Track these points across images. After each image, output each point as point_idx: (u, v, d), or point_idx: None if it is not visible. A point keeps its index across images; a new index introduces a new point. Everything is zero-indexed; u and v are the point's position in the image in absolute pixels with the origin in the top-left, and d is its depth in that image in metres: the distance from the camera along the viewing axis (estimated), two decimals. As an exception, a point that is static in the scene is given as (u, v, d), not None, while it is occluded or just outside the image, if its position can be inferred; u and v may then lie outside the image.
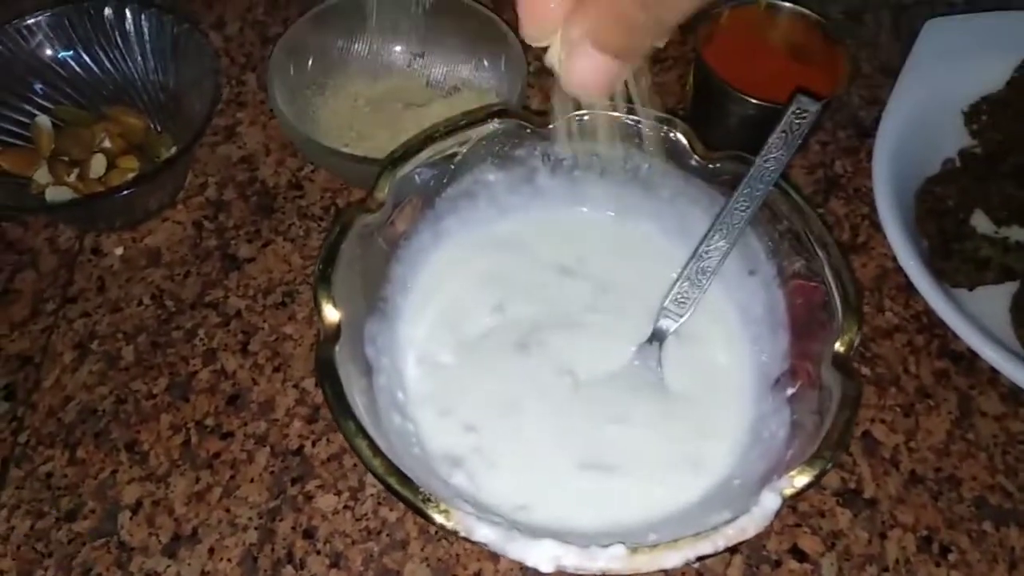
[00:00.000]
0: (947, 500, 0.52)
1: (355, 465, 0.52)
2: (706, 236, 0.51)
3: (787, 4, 0.63)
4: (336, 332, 0.43)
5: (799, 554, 0.50)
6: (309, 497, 0.51)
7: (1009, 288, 0.59)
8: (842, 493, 0.52)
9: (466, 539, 0.38)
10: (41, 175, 0.60)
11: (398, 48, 0.68)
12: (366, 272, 0.49)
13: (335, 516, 0.50)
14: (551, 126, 0.51)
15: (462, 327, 0.53)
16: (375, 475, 0.39)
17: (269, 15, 0.76)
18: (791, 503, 0.50)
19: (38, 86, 0.62)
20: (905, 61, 0.65)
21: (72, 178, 0.60)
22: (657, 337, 0.52)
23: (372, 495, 0.51)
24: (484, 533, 0.37)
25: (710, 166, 0.51)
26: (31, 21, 0.60)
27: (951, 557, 0.50)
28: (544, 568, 0.37)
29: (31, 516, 0.50)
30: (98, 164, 0.60)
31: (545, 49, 0.33)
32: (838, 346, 0.44)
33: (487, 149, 0.53)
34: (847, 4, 0.78)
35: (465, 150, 0.51)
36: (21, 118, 0.61)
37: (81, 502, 0.50)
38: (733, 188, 0.50)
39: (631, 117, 0.52)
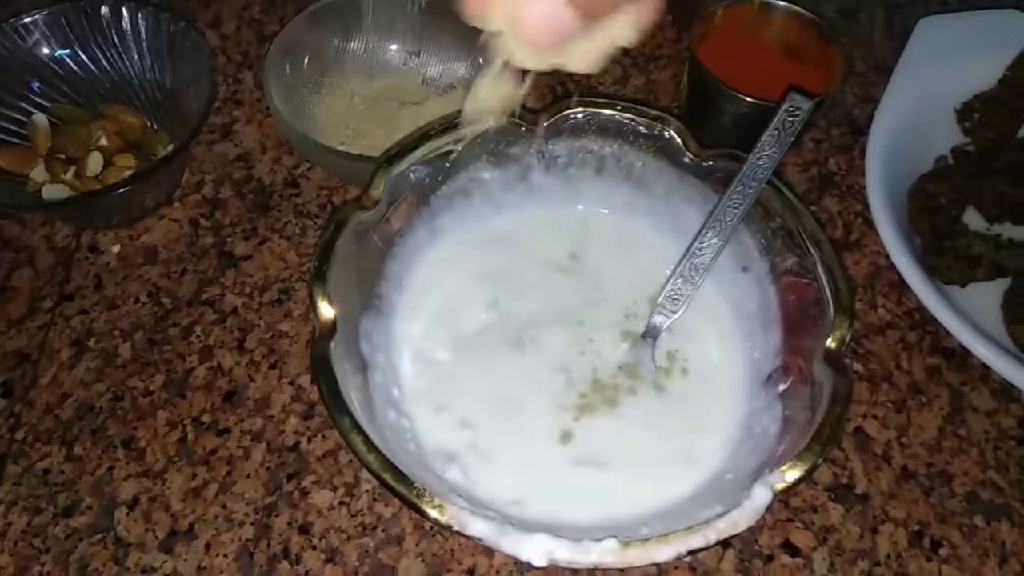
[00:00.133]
0: (938, 495, 0.52)
1: (350, 461, 0.52)
2: (699, 233, 0.52)
3: (781, 3, 0.64)
4: (331, 329, 0.43)
5: (791, 549, 0.50)
6: (305, 493, 0.51)
7: (1001, 285, 0.59)
8: (834, 488, 0.52)
9: (460, 534, 0.38)
10: (38, 173, 0.60)
11: (394, 47, 0.68)
12: (361, 269, 0.49)
13: (331, 512, 0.50)
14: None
15: (457, 324, 0.53)
16: (370, 470, 0.39)
17: (265, 13, 0.76)
18: (783, 498, 0.51)
19: (35, 84, 0.62)
20: (898, 59, 0.66)
21: (69, 176, 0.60)
22: (651, 333, 0.52)
23: (367, 491, 0.51)
24: (478, 528, 0.38)
25: (704, 164, 0.52)
26: (28, 19, 0.61)
27: (942, 551, 0.50)
28: (537, 562, 0.37)
29: (28, 512, 0.50)
30: (95, 162, 0.61)
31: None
32: (830, 342, 0.44)
33: (482, 147, 0.53)
34: (841, 3, 0.79)
35: (460, 148, 0.52)
36: (18, 116, 0.61)
37: (78, 498, 0.50)
38: (726, 185, 0.50)
39: (625, 115, 0.52)
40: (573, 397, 0.51)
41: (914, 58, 0.65)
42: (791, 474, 0.40)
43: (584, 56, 0.35)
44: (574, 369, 0.52)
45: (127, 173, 0.60)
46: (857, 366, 0.57)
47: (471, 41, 0.65)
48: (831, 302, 0.45)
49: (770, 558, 0.50)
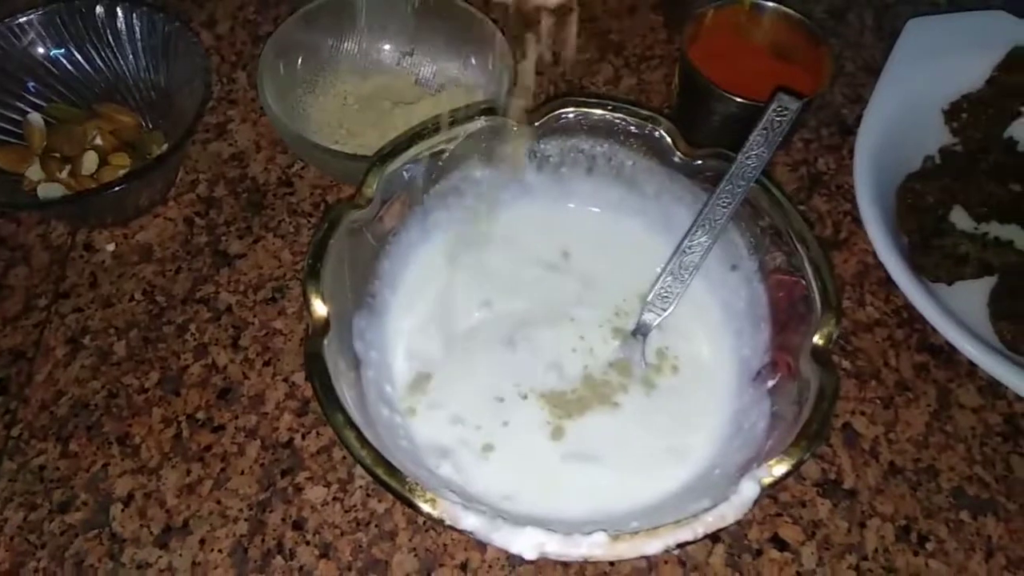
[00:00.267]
0: (925, 490, 0.53)
1: (344, 457, 0.52)
2: (689, 232, 0.52)
3: (771, 4, 0.64)
4: (325, 326, 0.44)
5: (780, 543, 0.51)
6: (299, 489, 0.51)
7: (987, 283, 0.60)
8: (822, 484, 0.53)
9: (452, 528, 0.39)
10: (33, 172, 0.60)
11: (387, 47, 0.69)
12: (355, 267, 0.50)
13: (324, 507, 0.51)
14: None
15: (450, 321, 0.54)
16: (363, 465, 0.40)
17: (260, 14, 0.77)
18: (772, 493, 0.52)
19: (30, 84, 0.62)
20: (887, 60, 0.66)
21: (64, 175, 0.60)
22: (641, 331, 0.53)
23: (361, 487, 0.51)
24: (470, 521, 0.38)
25: (693, 163, 0.52)
26: (23, 19, 0.61)
27: (929, 546, 0.51)
28: (528, 555, 0.38)
29: (24, 508, 0.50)
30: (90, 161, 0.61)
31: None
32: (817, 339, 0.45)
33: (474, 146, 0.53)
34: (830, 4, 0.79)
35: (453, 147, 0.52)
36: (13, 115, 0.62)
37: (73, 494, 0.51)
38: (716, 185, 0.51)
39: (616, 115, 0.53)
40: (565, 394, 0.51)
41: (902, 59, 0.66)
42: (778, 468, 0.40)
43: None
44: (565, 366, 0.52)
45: (122, 172, 0.61)
46: (845, 363, 0.58)
47: (464, 41, 0.66)
48: (818, 299, 0.46)
49: (759, 552, 0.50)
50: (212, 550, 0.49)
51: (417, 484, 0.39)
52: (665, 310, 0.53)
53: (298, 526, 0.50)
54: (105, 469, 0.52)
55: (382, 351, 0.52)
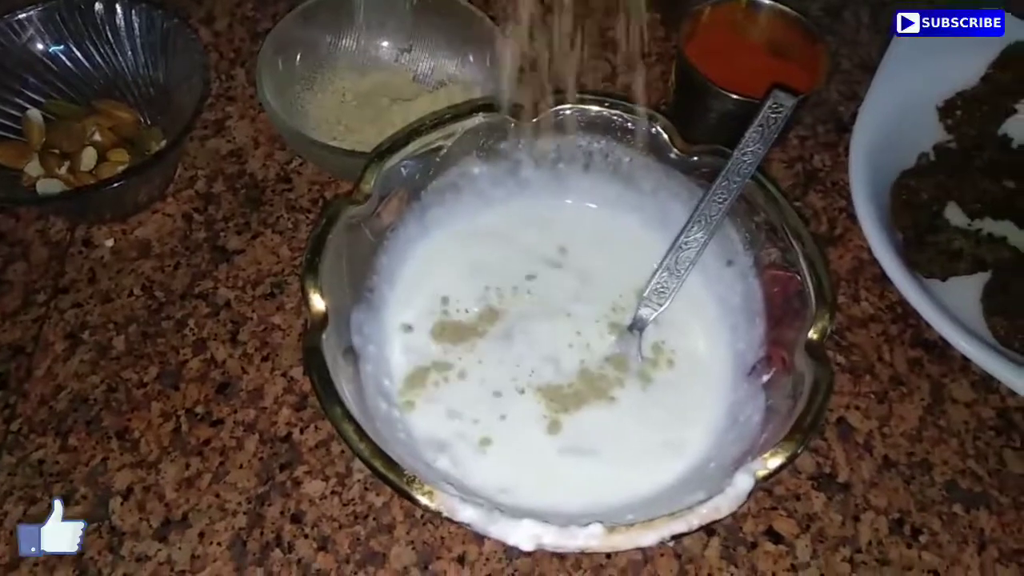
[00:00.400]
0: (919, 484, 0.54)
1: (342, 452, 0.53)
2: (685, 228, 0.53)
3: (767, 1, 0.64)
4: (323, 321, 0.44)
5: (775, 536, 0.51)
6: (297, 483, 0.52)
7: (980, 279, 0.61)
8: (817, 477, 0.53)
9: (450, 520, 0.39)
10: (32, 168, 0.61)
11: (385, 43, 0.69)
12: (353, 263, 0.50)
13: (322, 501, 0.51)
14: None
15: (447, 316, 0.54)
16: (361, 458, 0.40)
17: (258, 10, 0.77)
18: (767, 487, 0.52)
19: (30, 80, 0.62)
20: (882, 57, 0.67)
21: (63, 171, 0.61)
22: (637, 326, 0.53)
23: (359, 480, 0.52)
24: (467, 514, 0.39)
25: (690, 159, 0.53)
26: (22, 16, 0.61)
27: (922, 539, 0.52)
28: (525, 547, 0.38)
29: (24, 502, 0.50)
30: (89, 157, 0.61)
31: None
32: (811, 334, 0.45)
33: (472, 142, 0.54)
34: (826, 1, 0.80)
35: (450, 143, 0.52)
36: (13, 112, 0.62)
37: (73, 488, 0.51)
38: (712, 181, 0.51)
39: (613, 112, 0.53)
40: (561, 388, 0.52)
41: (897, 56, 0.66)
42: (773, 461, 0.41)
43: None
44: (562, 361, 0.53)
45: (121, 168, 0.61)
46: (840, 358, 0.58)
47: (462, 38, 0.66)
48: (813, 295, 0.46)
49: (754, 545, 0.51)
50: (211, 543, 0.49)
51: (415, 477, 0.39)
52: (661, 305, 0.53)
53: (296, 519, 0.50)
54: (104, 463, 0.52)
55: (380, 345, 0.52)
